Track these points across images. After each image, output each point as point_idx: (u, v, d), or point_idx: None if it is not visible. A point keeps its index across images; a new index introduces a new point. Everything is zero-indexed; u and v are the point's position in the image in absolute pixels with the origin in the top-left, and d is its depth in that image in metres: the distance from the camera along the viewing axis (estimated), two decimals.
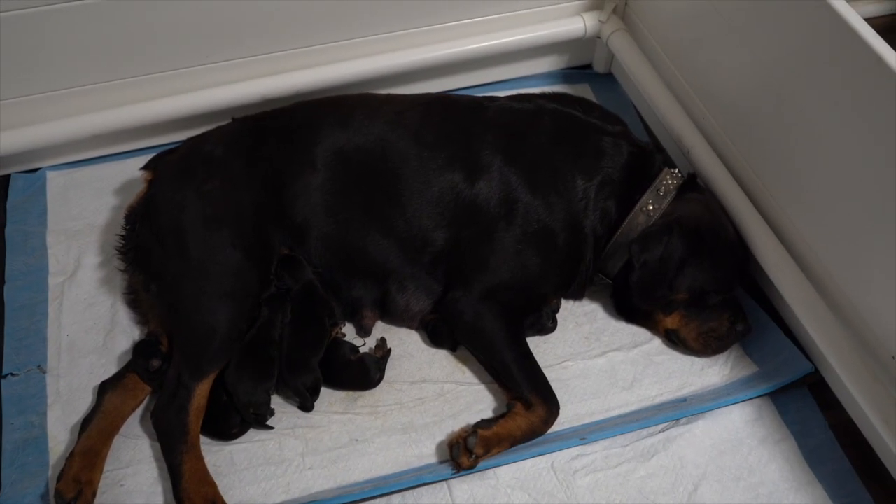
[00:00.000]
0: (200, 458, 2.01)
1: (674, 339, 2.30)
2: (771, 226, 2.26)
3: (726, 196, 2.34)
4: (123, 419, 2.10)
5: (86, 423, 2.05)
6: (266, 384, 2.10)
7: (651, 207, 2.23)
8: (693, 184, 2.34)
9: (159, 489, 2.02)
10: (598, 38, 2.90)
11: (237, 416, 2.08)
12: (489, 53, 2.79)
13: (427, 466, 2.07)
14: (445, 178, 2.23)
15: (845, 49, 1.88)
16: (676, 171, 2.31)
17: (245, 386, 2.07)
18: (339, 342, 2.22)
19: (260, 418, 2.09)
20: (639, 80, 2.74)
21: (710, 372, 2.27)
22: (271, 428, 2.11)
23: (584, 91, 2.98)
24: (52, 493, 1.94)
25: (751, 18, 2.23)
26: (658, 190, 2.25)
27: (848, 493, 2.05)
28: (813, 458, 2.11)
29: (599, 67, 3.03)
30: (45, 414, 2.12)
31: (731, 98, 2.39)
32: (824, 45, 1.97)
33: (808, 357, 2.22)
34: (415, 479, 2.02)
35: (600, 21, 2.85)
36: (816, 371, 2.20)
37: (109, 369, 2.20)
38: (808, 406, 2.20)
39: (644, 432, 2.14)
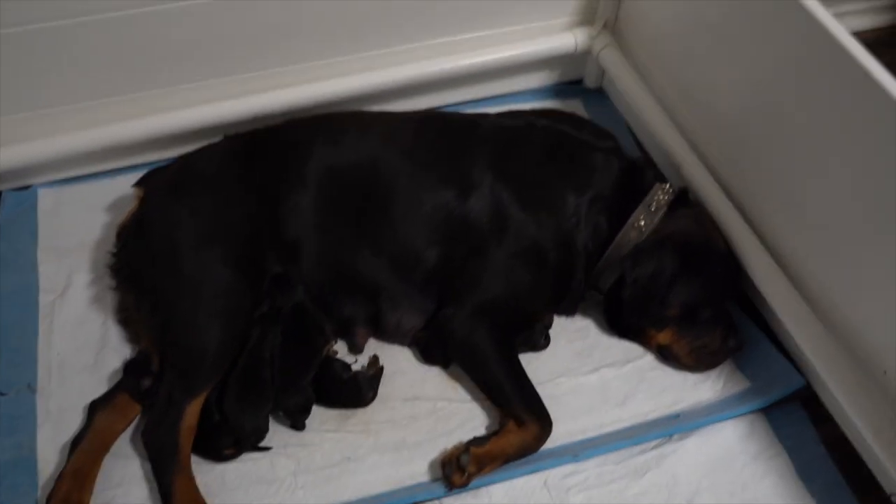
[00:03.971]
0: (191, 478, 1.99)
1: (666, 355, 2.29)
2: (762, 240, 2.26)
3: (717, 211, 2.34)
4: (114, 438, 2.08)
5: (76, 442, 2.04)
6: (266, 409, 2.09)
7: (642, 223, 2.23)
8: (684, 199, 2.34)
9: None
10: (589, 53, 2.91)
11: (229, 437, 2.07)
12: (480, 70, 2.80)
13: (420, 485, 2.06)
14: (437, 196, 2.23)
15: (832, 64, 1.89)
16: (668, 186, 2.31)
17: (249, 416, 2.06)
18: (331, 360, 2.22)
19: (258, 442, 2.09)
20: (629, 95, 2.75)
21: (702, 387, 2.27)
22: (268, 448, 2.10)
23: (575, 106, 2.98)
24: None
25: (739, 33, 2.24)
26: (649, 205, 2.25)
27: None
28: (806, 472, 2.10)
29: (590, 83, 3.03)
30: (34, 434, 2.10)
31: (721, 113, 2.40)
32: (812, 60, 1.98)
33: (799, 371, 2.22)
34: (407, 498, 2.01)
35: (591, 36, 2.86)
36: (809, 385, 2.19)
37: (100, 388, 2.18)
38: (801, 421, 2.19)
39: (637, 449, 2.14)
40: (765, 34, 2.13)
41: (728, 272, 2.27)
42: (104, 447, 2.06)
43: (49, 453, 2.08)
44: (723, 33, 2.31)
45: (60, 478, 1.96)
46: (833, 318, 2.09)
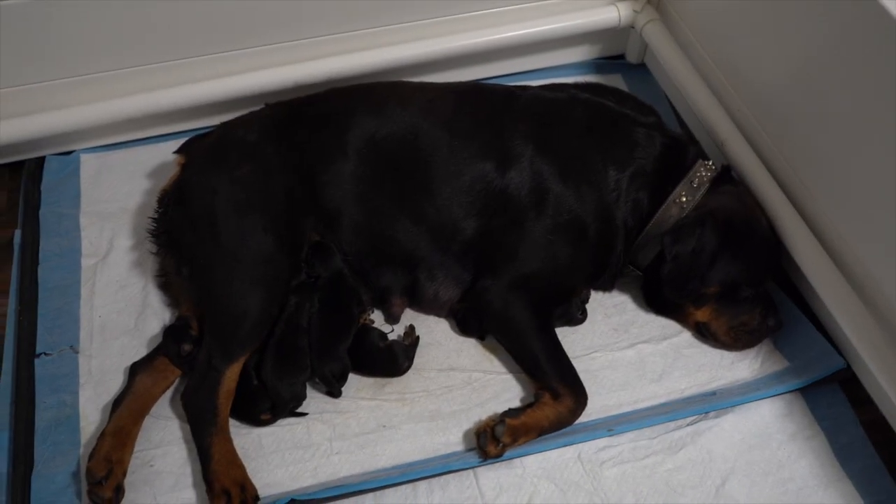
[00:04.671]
0: (229, 441, 2.03)
1: (704, 333, 2.28)
2: (805, 219, 2.23)
3: (760, 189, 2.31)
4: (154, 400, 2.12)
5: (117, 403, 2.07)
6: (304, 376, 2.12)
7: (684, 199, 2.21)
8: (727, 176, 2.31)
9: (188, 470, 2.04)
10: (632, 27, 2.88)
11: (266, 402, 2.09)
12: (522, 42, 2.78)
13: (454, 454, 2.07)
14: (476, 168, 2.22)
15: (887, 42, 1.85)
16: (710, 163, 2.28)
17: (287, 384, 2.08)
18: (368, 329, 2.23)
19: (296, 408, 2.12)
20: (672, 70, 2.72)
21: (739, 366, 2.25)
22: (305, 414, 2.13)
23: (616, 81, 2.96)
24: (83, 472, 1.97)
25: (789, 9, 2.20)
26: (692, 182, 2.23)
27: (878, 491, 2.03)
28: (843, 454, 2.09)
29: (632, 58, 3.00)
30: (77, 393, 2.15)
31: (767, 90, 2.36)
32: (865, 37, 1.94)
33: (840, 353, 2.19)
34: (441, 467, 2.03)
35: (634, 11, 2.83)
36: (849, 367, 2.17)
37: (140, 351, 2.22)
38: (840, 402, 2.17)
39: (672, 425, 2.13)
40: (816, 9, 2.08)
41: (770, 251, 2.24)
42: (144, 408, 2.10)
43: (91, 413, 2.12)
44: (771, 8, 2.26)
45: (102, 437, 2.00)
46: (876, 300, 2.05)
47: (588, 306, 2.34)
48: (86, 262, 2.42)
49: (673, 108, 2.86)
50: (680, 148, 2.29)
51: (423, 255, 2.24)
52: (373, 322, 2.29)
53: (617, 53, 3.04)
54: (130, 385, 2.11)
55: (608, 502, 2.00)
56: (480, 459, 2.02)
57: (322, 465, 2.06)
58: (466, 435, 2.11)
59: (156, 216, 2.31)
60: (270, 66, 2.60)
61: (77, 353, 2.23)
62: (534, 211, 2.20)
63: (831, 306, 2.12)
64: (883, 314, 2.03)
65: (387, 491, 2.01)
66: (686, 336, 2.32)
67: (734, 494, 2.02)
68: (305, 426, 2.11)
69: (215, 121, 2.52)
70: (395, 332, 2.30)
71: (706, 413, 2.15)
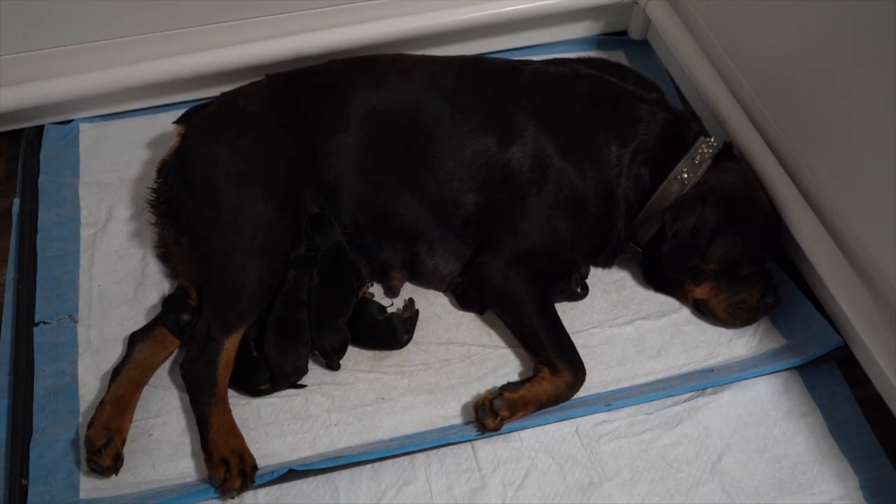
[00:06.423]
0: (228, 411, 2.03)
1: (703, 310, 2.28)
2: (806, 197, 2.23)
3: (761, 167, 2.31)
4: (153, 370, 2.12)
5: (116, 372, 2.08)
6: (306, 349, 2.12)
7: (685, 176, 2.21)
8: (729, 153, 2.31)
9: (187, 440, 2.05)
10: (635, 3, 2.86)
11: (264, 373, 2.10)
12: (525, 16, 2.76)
13: (452, 427, 2.08)
14: (478, 142, 2.21)
15: (891, 20, 1.84)
16: (712, 139, 2.28)
17: (289, 358, 2.08)
18: (368, 302, 2.23)
19: (297, 381, 2.13)
20: (676, 47, 2.71)
21: (737, 343, 2.26)
22: (304, 386, 2.13)
23: (618, 58, 2.94)
24: (82, 440, 1.98)
25: None
26: (693, 158, 2.22)
27: (873, 468, 2.05)
28: (839, 432, 2.10)
29: (635, 34, 2.99)
30: (75, 362, 2.16)
31: (771, 67, 2.35)
32: (871, 13, 1.93)
33: (837, 332, 2.20)
34: (439, 439, 2.03)
35: None
36: (846, 346, 2.18)
37: (139, 321, 2.22)
38: (836, 380, 2.19)
39: (669, 401, 2.14)
40: None
41: (770, 229, 2.24)
42: (143, 378, 2.10)
43: (90, 381, 2.13)
44: None
45: (101, 405, 2.00)
46: (875, 279, 2.06)
47: (588, 282, 2.34)
48: (85, 232, 2.42)
49: (675, 84, 2.85)
50: (682, 124, 2.28)
51: (423, 229, 2.23)
52: (372, 295, 2.29)
53: (620, 29, 3.02)
54: (130, 354, 2.11)
55: (605, 476, 2.02)
56: (478, 433, 2.03)
57: (320, 436, 2.06)
58: (465, 408, 2.12)
59: (155, 186, 2.30)
60: (271, 37, 2.58)
61: (76, 322, 2.23)
62: (535, 186, 2.19)
63: (830, 285, 2.13)
64: (881, 293, 2.04)
65: (384, 463, 2.01)
66: (685, 313, 2.32)
67: (729, 470, 2.04)
68: (304, 397, 2.12)
69: (215, 91, 2.51)
70: (394, 306, 2.30)
71: (703, 389, 2.16)
